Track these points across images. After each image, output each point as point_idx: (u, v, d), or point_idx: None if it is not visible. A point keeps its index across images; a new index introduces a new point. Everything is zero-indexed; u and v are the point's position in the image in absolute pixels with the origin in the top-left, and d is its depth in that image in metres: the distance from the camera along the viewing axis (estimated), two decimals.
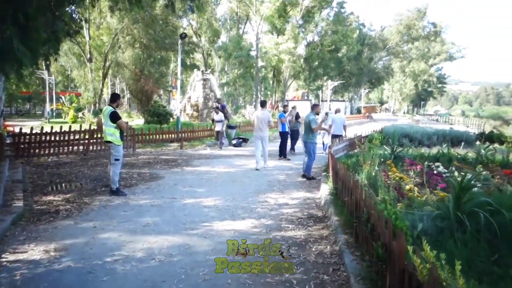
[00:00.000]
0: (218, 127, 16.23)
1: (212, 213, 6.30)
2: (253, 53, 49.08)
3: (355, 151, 14.26)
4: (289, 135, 14.13)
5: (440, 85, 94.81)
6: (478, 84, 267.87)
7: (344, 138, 13.79)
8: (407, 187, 6.59)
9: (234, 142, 17.21)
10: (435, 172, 8.28)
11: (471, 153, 10.61)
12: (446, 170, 8.20)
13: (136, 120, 28.91)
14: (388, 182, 7.45)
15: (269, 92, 56.50)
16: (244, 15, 54.36)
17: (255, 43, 49.51)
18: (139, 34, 39.16)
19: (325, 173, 9.56)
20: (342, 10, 53.48)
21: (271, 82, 56.44)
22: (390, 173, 8.06)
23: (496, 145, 18.20)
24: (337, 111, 14.87)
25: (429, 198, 5.97)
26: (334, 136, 13.88)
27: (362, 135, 16.05)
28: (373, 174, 7.71)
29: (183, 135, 17.01)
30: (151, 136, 15.81)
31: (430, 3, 59.81)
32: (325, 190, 7.60)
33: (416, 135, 15.31)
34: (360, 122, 42.11)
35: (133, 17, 34.81)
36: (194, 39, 52.10)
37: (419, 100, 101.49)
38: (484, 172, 7.61)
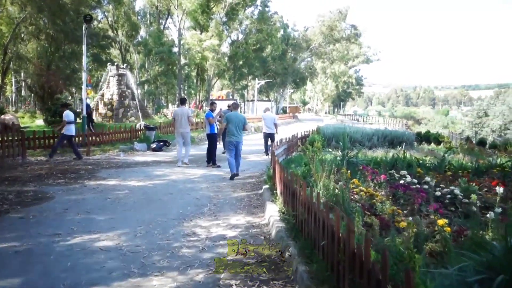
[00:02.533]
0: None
1: (111, 263, 4.07)
2: (175, 49, 46.29)
3: (294, 154, 12.68)
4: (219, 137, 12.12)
5: (358, 87, 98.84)
6: (388, 87, 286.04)
7: (276, 137, 13.58)
8: (388, 209, 4.90)
9: (153, 145, 14.76)
10: (402, 182, 6.78)
11: (429, 156, 9.42)
12: (416, 180, 6.71)
13: (39, 121, 25.00)
14: (356, 199, 5.76)
15: (193, 91, 53.92)
16: (165, 9, 51.25)
17: (177, 39, 46.74)
18: (44, 25, 34.78)
19: (267, 185, 7.69)
20: (267, 9, 52.50)
21: (195, 80, 53.90)
22: (351, 185, 6.39)
23: (432, 145, 17.84)
24: (265, 110, 14.69)
25: (422, 227, 4.32)
26: (266, 135, 13.89)
27: (299, 136, 14.54)
28: (331, 187, 6.02)
29: (91, 138, 14.23)
30: (47, 141, 12.80)
31: (351, 5, 61.04)
32: (272, 212, 5.71)
33: (356, 135, 14.10)
34: (287, 122, 41.23)
35: (38, 5, 30.64)
36: (110, 33, 47.97)
37: (339, 100, 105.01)
38: (474, 184, 6.18)
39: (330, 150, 11.27)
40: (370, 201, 5.59)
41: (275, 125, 13.95)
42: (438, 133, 19.15)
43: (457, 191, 5.66)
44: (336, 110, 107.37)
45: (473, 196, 5.08)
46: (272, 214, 5.60)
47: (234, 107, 10.32)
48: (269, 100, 65.58)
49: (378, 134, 14.41)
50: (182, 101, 11.87)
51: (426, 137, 17.20)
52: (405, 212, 5.23)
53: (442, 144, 16.23)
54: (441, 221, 4.30)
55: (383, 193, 6.44)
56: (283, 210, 5.67)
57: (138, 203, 6.70)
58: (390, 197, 5.79)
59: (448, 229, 4.18)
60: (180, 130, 11.05)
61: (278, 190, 6.26)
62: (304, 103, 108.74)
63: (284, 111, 64.20)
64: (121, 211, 6.14)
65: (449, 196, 5.65)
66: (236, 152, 9.41)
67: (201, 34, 45.08)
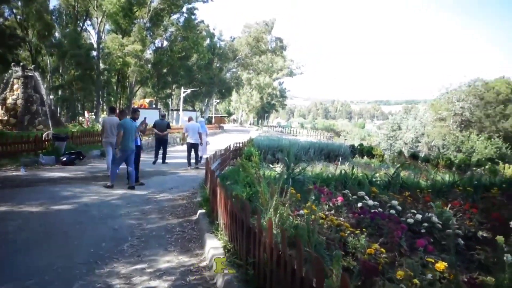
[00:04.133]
0: None
1: None
2: (94, 53, 43.01)
3: (227, 168, 11.49)
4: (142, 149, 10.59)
5: (281, 99, 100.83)
6: (309, 100, 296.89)
7: (204, 148, 13.61)
8: (367, 247, 3.88)
9: (63, 158, 12.67)
10: (360, 205, 5.89)
11: (379, 173, 8.73)
12: (377, 203, 5.84)
13: None
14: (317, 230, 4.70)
15: (112, 98, 50.54)
16: (84, 10, 47.59)
17: (96, 42, 43.51)
18: None
19: (203, 209, 6.39)
20: (193, 17, 50.98)
21: (115, 87, 50.61)
22: (305, 210, 5.36)
23: (366, 158, 17.64)
24: (189, 119, 13.95)
25: (420, 274, 3.35)
26: (190, 145, 13.21)
27: (231, 149, 13.40)
28: (285, 213, 4.95)
29: None
30: None
31: (277, 18, 61.65)
32: (215, 249, 4.45)
33: (292, 149, 13.25)
34: (214, 133, 39.92)
35: None
36: (19, 32, 43.32)
37: (263, 112, 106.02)
38: (448, 209, 5.41)
39: (272, 166, 10.26)
40: (337, 233, 4.57)
41: (200, 135, 13.16)
42: (371, 146, 19.14)
43: (435, 218, 4.84)
44: (260, 121, 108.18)
45: (450, 222, 4.26)
46: (214, 253, 4.33)
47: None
48: (194, 110, 63.91)
49: (314, 147, 13.73)
50: (112, 110, 11.43)
51: (359, 150, 17.00)
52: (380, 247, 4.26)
53: (375, 157, 16.14)
54: (440, 265, 3.36)
55: (341, 218, 5.49)
56: (229, 247, 4.43)
57: (32, 239, 5.03)
58: (364, 229, 4.79)
59: (451, 275, 3.25)
60: (111, 139, 10.37)
61: (221, 220, 5.00)
62: (229, 113, 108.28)
63: (210, 122, 62.87)
64: (5, 254, 4.48)
65: (426, 224, 4.81)
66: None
67: (123, 38, 42.33)
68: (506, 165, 17.72)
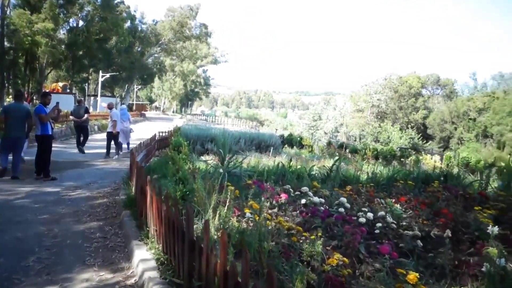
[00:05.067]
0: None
1: None
2: None
3: (153, 160, 10.56)
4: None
5: (205, 87, 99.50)
6: (232, 88, 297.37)
7: (123, 135, 12.95)
8: (331, 259, 3.39)
9: None
10: (304, 202, 5.46)
11: (312, 164, 8.40)
12: (322, 200, 5.44)
13: None
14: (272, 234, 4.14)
15: (20, 81, 45.88)
16: None
17: (0, 17, 38.99)
18: None
19: (128, 210, 5.55)
20: None
21: (23, 69, 45.97)
22: (246, 210, 4.80)
23: (295, 149, 17.51)
24: (109, 106, 13.17)
25: None
26: (110, 133, 12.39)
27: (156, 138, 12.44)
28: (223, 214, 4.36)
29: None
30: None
31: (202, 3, 59.94)
32: (146, 262, 3.70)
33: (226, 139, 12.60)
34: (135, 121, 37.90)
35: None
36: None
37: (187, 99, 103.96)
38: (399, 206, 5.12)
39: (202, 158, 9.55)
40: (286, 238, 4.05)
41: (114, 122, 12.26)
42: (301, 136, 19.11)
43: (389, 218, 4.51)
44: (183, 109, 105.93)
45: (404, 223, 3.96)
46: (145, 267, 3.59)
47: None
48: (114, 96, 60.40)
49: (245, 137, 13.21)
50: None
51: (289, 141, 16.85)
52: (336, 253, 3.81)
53: (305, 147, 16.07)
54: (412, 277, 2.97)
55: (287, 218, 5.01)
56: (163, 260, 3.70)
57: None
58: (319, 233, 4.31)
59: None
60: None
61: (153, 226, 4.22)
62: (151, 100, 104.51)
63: (130, 109, 59.89)
64: None
65: (379, 224, 4.46)
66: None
67: (31, 15, 38.33)
68: (428, 155, 18.82)
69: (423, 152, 21.58)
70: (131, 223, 5.02)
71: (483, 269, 3.13)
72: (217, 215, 4.35)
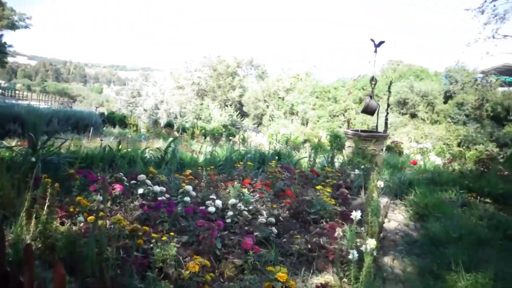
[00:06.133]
0: None
1: None
2: None
3: None
4: None
5: (1, 55, 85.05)
6: (35, 59, 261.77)
7: None
8: (191, 263, 2.88)
9: None
10: (142, 191, 4.83)
11: (146, 147, 7.60)
12: (163, 188, 4.87)
13: None
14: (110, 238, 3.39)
15: None
16: None
17: None
18: None
19: None
20: None
21: None
22: (73, 209, 3.96)
23: (118, 128, 16.00)
24: None
25: None
26: None
27: None
28: (49, 220, 3.46)
29: None
30: None
31: None
32: None
33: (30, 118, 10.61)
34: None
35: None
36: None
37: None
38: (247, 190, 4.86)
39: (5, 143, 7.76)
40: (130, 240, 3.38)
41: None
42: (124, 114, 17.64)
43: (241, 205, 4.23)
44: None
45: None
46: None
47: None
48: None
49: (58, 116, 11.40)
50: None
51: (110, 119, 15.30)
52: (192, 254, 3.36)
53: (129, 127, 14.85)
54: (282, 275, 2.74)
55: (125, 214, 4.31)
56: None
57: None
58: (169, 231, 3.72)
59: (292, 284, 2.67)
60: None
61: None
62: None
63: None
64: None
65: (231, 213, 4.15)
66: None
67: None
68: (253, 133, 19.76)
69: (243, 129, 22.71)
70: None
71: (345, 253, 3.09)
72: (33, 220, 3.42)
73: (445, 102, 29.99)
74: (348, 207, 5.19)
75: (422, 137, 26.95)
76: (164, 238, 3.27)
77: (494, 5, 19.84)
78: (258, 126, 43.16)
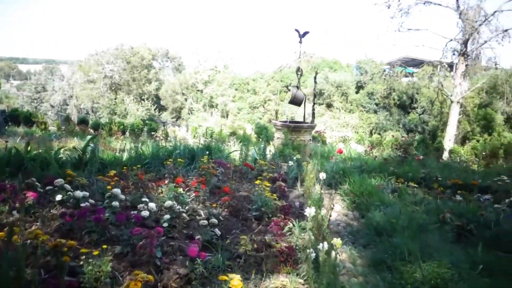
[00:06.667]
0: None
1: None
2: None
3: None
4: None
5: None
6: None
7: None
8: (134, 283, 2.49)
9: None
10: (60, 198, 4.27)
11: (59, 146, 6.80)
12: (87, 193, 4.33)
13: None
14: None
15: None
16: None
17: None
18: None
19: None
20: None
21: None
22: None
23: (23, 127, 14.38)
24: None
25: None
26: None
27: None
28: None
29: None
30: None
31: None
32: None
33: None
34: None
35: None
36: None
37: None
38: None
39: None
40: (56, 257, 2.89)
41: None
42: (29, 111, 15.90)
43: (177, 206, 3.87)
44: None
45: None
46: None
47: None
48: None
49: None
50: None
51: (14, 117, 13.63)
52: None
53: (36, 125, 13.38)
54: (237, 282, 2.50)
55: (38, 224, 3.75)
56: None
57: None
58: (97, 238, 3.25)
59: None
60: None
61: None
62: None
63: None
64: None
65: (167, 216, 3.77)
66: None
67: None
68: (176, 127, 19.04)
69: (167, 124, 21.89)
70: None
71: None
72: None
73: (357, 92, 31.66)
74: (286, 200, 5.06)
75: (337, 126, 28.21)
76: (96, 252, 2.83)
77: (399, 0, 21.22)
78: (177, 120, 42.18)
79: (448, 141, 19.37)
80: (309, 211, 3.12)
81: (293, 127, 8.68)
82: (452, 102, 20.24)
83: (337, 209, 5.10)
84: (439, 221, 4.27)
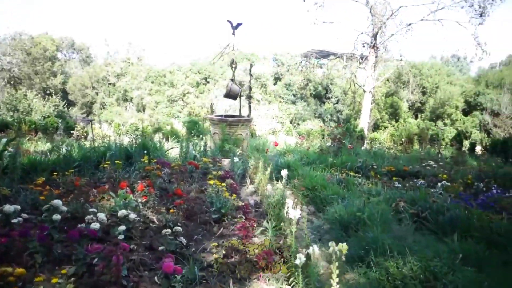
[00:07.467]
0: None
1: None
2: None
3: None
4: None
5: None
6: None
7: None
8: None
9: None
10: None
11: None
12: (18, 207, 3.74)
13: None
14: None
15: None
16: None
17: None
18: None
19: None
20: None
21: None
22: None
23: None
24: None
25: None
26: None
27: None
28: None
29: None
30: None
31: None
32: None
33: None
34: None
35: None
36: None
37: None
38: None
39: None
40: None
41: None
42: None
43: (133, 215, 3.47)
44: None
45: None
46: None
47: None
48: None
49: None
50: None
51: None
52: None
53: None
54: None
55: None
56: None
57: None
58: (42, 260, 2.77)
59: None
60: None
61: None
62: None
63: None
64: None
65: (123, 227, 3.36)
66: None
67: None
68: (97, 125, 17.55)
69: (86, 121, 20.22)
70: None
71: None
72: None
73: (275, 84, 32.22)
74: (240, 199, 4.86)
75: (258, 117, 28.45)
76: (55, 280, 2.39)
77: None
78: (88, 115, 39.65)
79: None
80: (294, 213, 2.95)
81: (230, 122, 8.45)
82: (364, 91, 21.42)
83: (290, 204, 5.00)
84: (393, 210, 4.37)
